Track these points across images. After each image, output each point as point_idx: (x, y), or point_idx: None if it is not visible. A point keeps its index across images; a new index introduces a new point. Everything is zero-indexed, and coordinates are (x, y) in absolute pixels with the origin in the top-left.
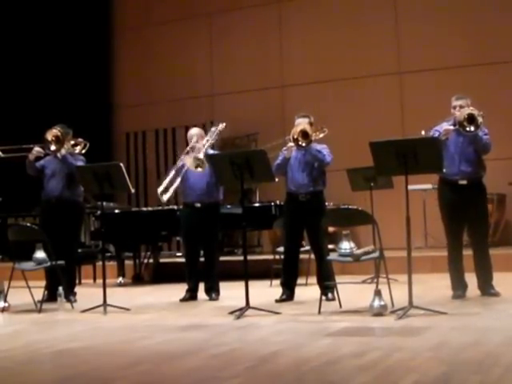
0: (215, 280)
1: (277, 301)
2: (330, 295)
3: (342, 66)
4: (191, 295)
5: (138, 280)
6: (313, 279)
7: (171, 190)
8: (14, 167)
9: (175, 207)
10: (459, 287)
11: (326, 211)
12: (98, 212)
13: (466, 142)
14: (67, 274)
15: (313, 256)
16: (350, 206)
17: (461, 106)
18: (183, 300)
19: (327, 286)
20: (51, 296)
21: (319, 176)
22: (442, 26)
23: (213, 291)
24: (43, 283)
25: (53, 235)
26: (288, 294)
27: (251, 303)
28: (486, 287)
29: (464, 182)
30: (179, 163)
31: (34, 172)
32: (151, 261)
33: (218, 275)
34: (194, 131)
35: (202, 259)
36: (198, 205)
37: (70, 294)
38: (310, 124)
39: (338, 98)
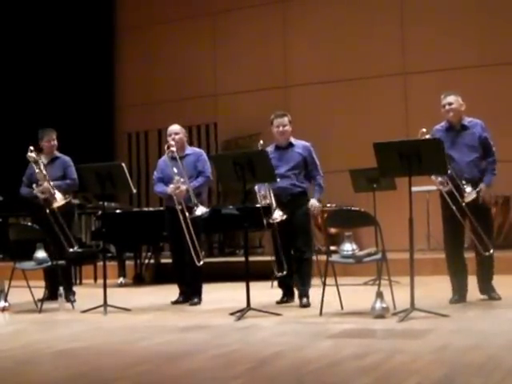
0: (199, 283)
1: (278, 302)
2: (304, 300)
3: (346, 67)
4: (185, 297)
5: (138, 280)
6: (313, 280)
7: None
8: (14, 167)
9: None
10: (456, 290)
11: (329, 212)
12: (99, 212)
13: (466, 147)
14: (62, 274)
15: (314, 257)
16: (352, 208)
17: (449, 104)
18: (175, 303)
19: (303, 293)
20: (51, 296)
21: (303, 179)
22: (447, 27)
23: (195, 295)
24: (44, 283)
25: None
26: (288, 296)
27: (252, 304)
28: (487, 289)
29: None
30: None
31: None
32: (152, 261)
33: (201, 278)
34: (176, 127)
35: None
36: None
37: (69, 294)
38: (290, 122)
39: (342, 99)
